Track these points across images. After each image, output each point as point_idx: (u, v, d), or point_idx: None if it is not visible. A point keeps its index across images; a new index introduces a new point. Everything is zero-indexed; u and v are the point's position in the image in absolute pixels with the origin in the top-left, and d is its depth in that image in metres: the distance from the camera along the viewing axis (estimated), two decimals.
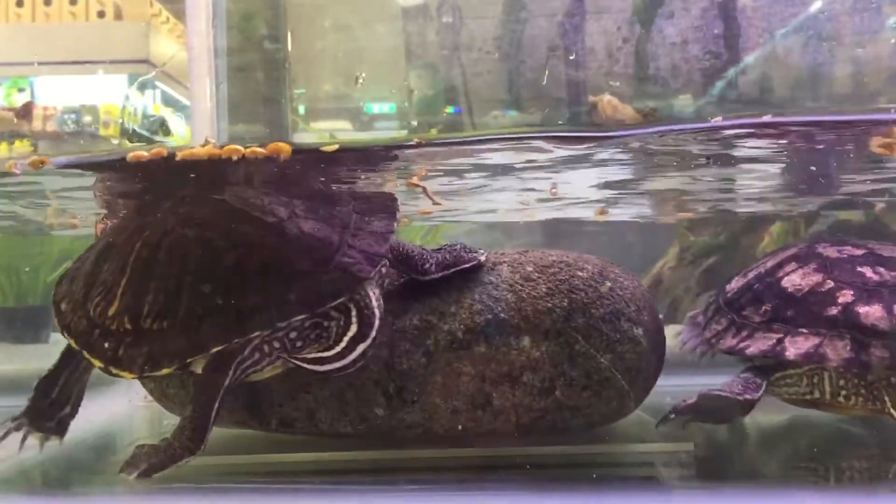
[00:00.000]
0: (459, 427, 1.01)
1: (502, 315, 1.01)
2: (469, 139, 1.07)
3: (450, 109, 2.29)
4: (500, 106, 2.27)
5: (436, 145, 1.05)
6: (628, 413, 1.08)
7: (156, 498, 0.89)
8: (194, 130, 1.92)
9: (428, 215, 1.81)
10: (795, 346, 1.05)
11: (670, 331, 1.78)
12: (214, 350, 0.88)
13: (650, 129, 1.24)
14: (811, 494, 0.91)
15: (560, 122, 2.14)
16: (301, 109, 2.20)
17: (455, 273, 1.03)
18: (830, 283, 1.09)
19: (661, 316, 1.14)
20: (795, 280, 1.13)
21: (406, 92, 2.25)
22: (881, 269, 1.10)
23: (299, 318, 0.90)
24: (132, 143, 2.49)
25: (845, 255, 1.14)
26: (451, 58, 2.22)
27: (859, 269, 1.10)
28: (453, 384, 1.00)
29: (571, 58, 2.11)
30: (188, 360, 0.89)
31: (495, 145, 1.06)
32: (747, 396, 1.05)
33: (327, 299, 0.89)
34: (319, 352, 0.90)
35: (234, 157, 0.87)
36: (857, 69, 1.98)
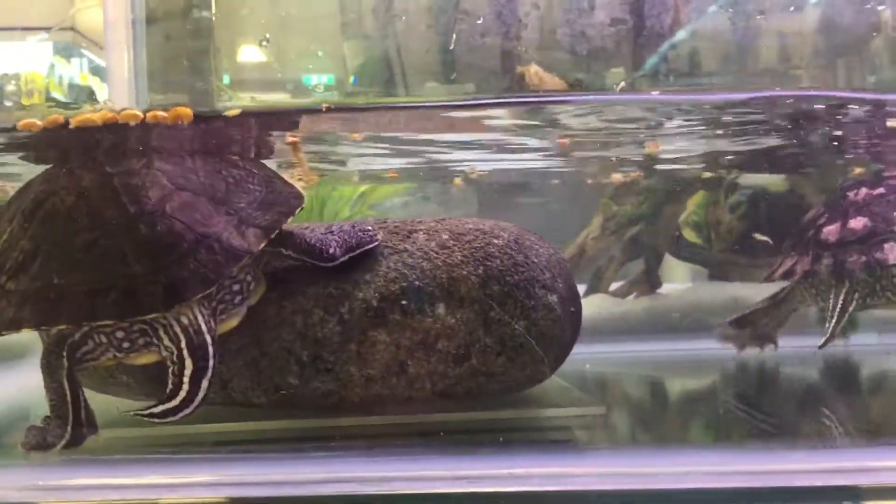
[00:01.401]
0: (374, 395, 1.01)
1: (417, 283, 1.01)
2: (373, 105, 1.07)
3: (351, 80, 2.26)
4: (434, 77, 2.26)
5: (343, 111, 1.04)
6: (544, 379, 1.09)
7: (61, 470, 0.88)
8: (112, 100, 1.86)
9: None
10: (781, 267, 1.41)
11: (596, 299, 1.82)
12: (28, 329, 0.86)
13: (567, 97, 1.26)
14: (711, 453, 0.94)
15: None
16: (226, 79, 2.15)
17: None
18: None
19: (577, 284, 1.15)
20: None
21: (342, 63, 2.22)
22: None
23: (108, 322, 0.86)
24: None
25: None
26: (385, 28, 2.20)
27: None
28: (368, 352, 1.00)
29: (504, 29, 2.10)
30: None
31: (401, 113, 1.06)
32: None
33: (139, 312, 0.85)
34: (165, 403, 0.86)
35: (132, 123, 0.84)
36: (783, 42, 2.02)
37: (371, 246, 1.02)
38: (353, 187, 2.05)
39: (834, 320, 1.35)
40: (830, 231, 1.38)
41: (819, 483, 0.79)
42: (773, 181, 1.84)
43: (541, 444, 0.96)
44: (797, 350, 1.52)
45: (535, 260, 1.07)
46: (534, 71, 1.86)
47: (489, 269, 1.03)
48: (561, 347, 1.09)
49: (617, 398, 1.32)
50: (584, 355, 1.60)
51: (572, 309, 1.11)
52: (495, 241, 1.06)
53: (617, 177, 1.76)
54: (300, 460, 0.87)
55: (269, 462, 0.87)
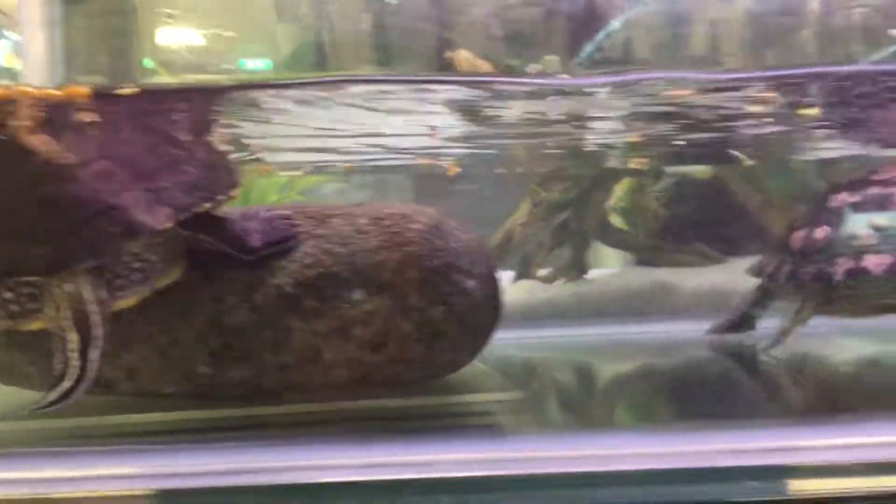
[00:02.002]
0: (290, 383, 0.99)
1: (334, 268, 1.00)
2: (284, 82, 1.05)
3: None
4: (369, 62, 2.24)
5: (256, 87, 1.01)
6: (463, 365, 1.09)
7: None
8: (28, 81, 1.79)
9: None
10: None
11: (525, 285, 1.83)
12: None
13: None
14: (627, 435, 0.95)
15: None
16: (147, 62, 2.09)
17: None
18: None
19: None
20: None
21: (277, 48, 2.18)
22: None
23: None
24: None
25: None
26: (318, 12, 2.17)
27: None
28: (282, 339, 0.98)
29: (440, 14, 2.09)
30: None
31: (315, 89, 1.04)
32: None
33: (22, 271, 0.83)
34: (58, 385, 0.83)
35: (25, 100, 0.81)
36: (714, 32, 2.05)
37: (292, 238, 1.00)
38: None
39: (784, 330, 1.36)
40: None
41: (744, 462, 0.79)
42: (697, 169, 1.87)
43: (454, 430, 0.96)
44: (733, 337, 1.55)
45: (454, 245, 1.06)
46: (463, 56, 1.86)
47: (407, 254, 1.02)
48: (481, 333, 1.09)
49: (541, 383, 1.33)
50: (512, 341, 1.63)
51: (492, 294, 1.11)
52: (413, 225, 1.05)
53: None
54: (208, 451, 0.84)
55: (175, 453, 0.84)
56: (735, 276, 1.77)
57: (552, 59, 2.11)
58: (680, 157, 1.84)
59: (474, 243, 1.10)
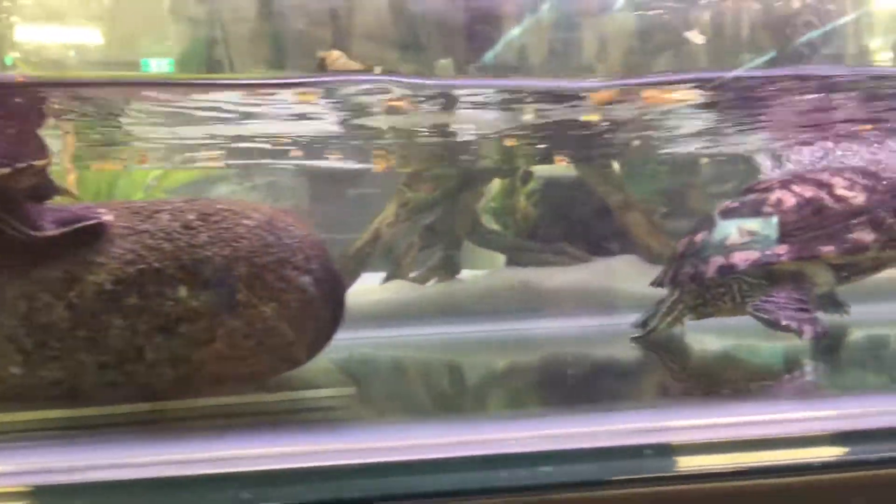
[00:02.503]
0: (109, 382, 0.96)
1: (157, 265, 0.97)
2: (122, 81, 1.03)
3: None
4: (262, 64, 2.20)
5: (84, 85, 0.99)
6: (300, 362, 1.08)
7: None
8: None
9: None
10: None
11: (394, 285, 1.83)
12: None
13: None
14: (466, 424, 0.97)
15: None
16: (8, 59, 2.00)
17: (77, 232, 0.96)
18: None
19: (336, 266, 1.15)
20: None
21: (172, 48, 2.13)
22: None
23: None
24: None
25: None
26: (211, 12, 2.12)
27: None
28: (100, 338, 0.95)
29: (334, 17, 2.07)
30: None
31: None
32: None
33: None
34: None
35: None
36: (605, 39, 2.10)
37: (90, 223, 0.96)
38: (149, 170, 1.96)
39: (656, 321, 1.42)
40: (683, 242, 1.43)
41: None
42: (564, 170, 1.92)
43: (279, 425, 0.95)
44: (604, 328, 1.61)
45: (288, 241, 1.05)
46: (335, 56, 1.85)
47: (237, 249, 1.01)
48: (318, 330, 1.08)
49: (382, 378, 1.33)
50: (377, 339, 1.63)
51: (331, 291, 1.10)
52: (245, 221, 1.03)
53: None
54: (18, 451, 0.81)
55: None
56: (597, 275, 1.83)
57: (446, 64, 2.13)
58: (547, 157, 1.89)
59: (310, 239, 1.09)
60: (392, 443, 0.84)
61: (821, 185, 1.39)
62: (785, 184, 1.42)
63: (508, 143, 1.79)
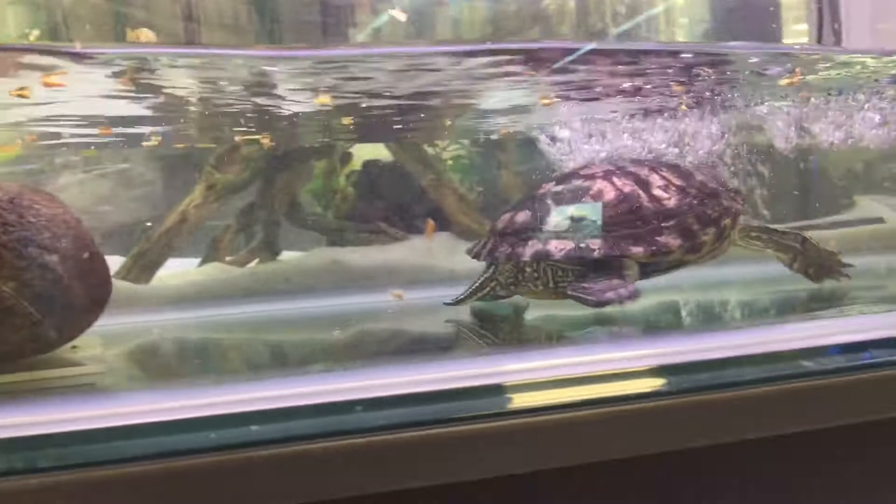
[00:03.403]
0: None
1: None
2: None
3: None
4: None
5: None
6: (54, 344, 1.07)
7: None
8: None
9: None
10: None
11: (214, 267, 1.82)
12: None
13: None
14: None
15: None
16: None
17: None
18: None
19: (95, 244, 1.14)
20: None
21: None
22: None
23: None
24: None
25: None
26: None
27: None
28: None
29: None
30: None
31: None
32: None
33: None
34: None
35: None
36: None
37: None
38: None
39: (467, 293, 1.45)
40: (504, 219, 1.43)
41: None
42: (382, 151, 1.95)
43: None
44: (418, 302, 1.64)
45: (32, 220, 1.04)
46: (144, 37, 1.82)
47: None
48: (70, 310, 1.07)
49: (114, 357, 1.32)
50: (190, 320, 1.62)
51: (87, 271, 1.09)
52: None
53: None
54: None
55: None
56: (413, 252, 1.87)
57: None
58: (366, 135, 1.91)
59: (61, 218, 1.08)
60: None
61: (639, 180, 1.42)
62: (608, 174, 1.44)
63: (324, 121, 1.81)
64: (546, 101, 1.68)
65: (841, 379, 0.99)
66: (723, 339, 1.18)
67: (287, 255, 1.89)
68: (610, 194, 1.39)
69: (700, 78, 1.65)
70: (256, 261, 1.87)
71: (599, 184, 1.41)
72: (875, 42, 1.81)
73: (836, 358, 1.04)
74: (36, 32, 1.61)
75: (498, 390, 0.92)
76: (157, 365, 1.28)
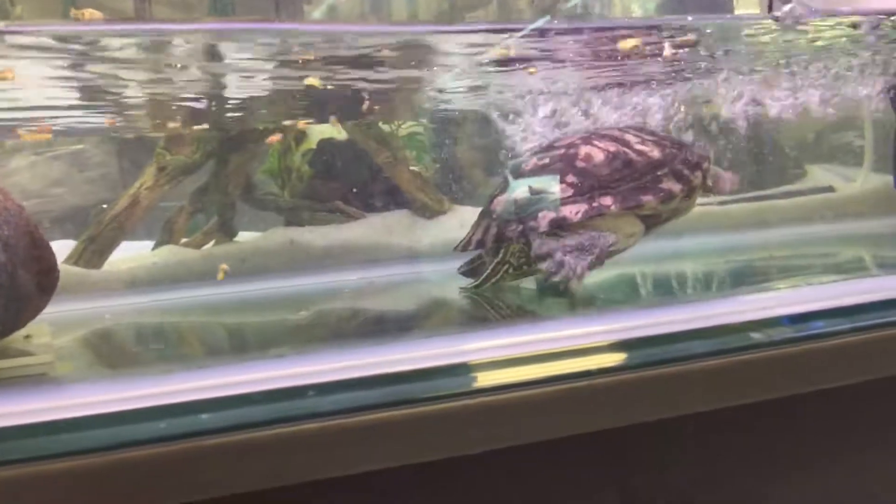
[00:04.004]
0: None
1: None
2: None
3: None
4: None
5: None
6: (0, 334, 1.05)
7: None
8: None
9: None
10: None
11: (169, 250, 1.79)
12: None
13: None
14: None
15: None
16: None
17: None
18: None
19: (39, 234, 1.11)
20: None
21: None
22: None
23: None
24: None
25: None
26: None
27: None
28: None
29: None
30: None
31: None
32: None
33: None
34: None
35: None
36: None
37: None
38: None
39: (482, 280, 1.41)
40: (499, 201, 1.40)
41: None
42: (336, 130, 1.93)
43: None
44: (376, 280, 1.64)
45: None
46: (88, 15, 1.77)
47: None
48: (14, 299, 1.05)
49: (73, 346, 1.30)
50: (144, 304, 1.60)
51: (31, 259, 1.07)
52: None
53: None
54: None
55: None
56: (371, 230, 1.86)
57: None
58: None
59: (2, 206, 1.05)
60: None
61: (618, 140, 1.42)
62: (586, 140, 1.43)
63: (276, 102, 1.78)
64: (532, 70, 1.66)
65: (788, 349, 1.01)
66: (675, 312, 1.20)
67: (243, 236, 1.88)
68: (599, 155, 1.38)
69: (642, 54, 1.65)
70: (212, 242, 1.85)
71: (585, 148, 1.40)
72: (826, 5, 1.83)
73: (785, 328, 1.06)
74: None
75: (457, 370, 0.92)
76: (109, 352, 1.26)
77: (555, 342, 0.99)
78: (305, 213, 1.88)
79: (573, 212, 1.33)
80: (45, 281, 1.11)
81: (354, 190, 1.90)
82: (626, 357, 0.96)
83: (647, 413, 0.91)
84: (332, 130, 1.91)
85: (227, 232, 1.86)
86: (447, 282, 1.51)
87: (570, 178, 1.36)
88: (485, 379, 0.89)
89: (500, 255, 1.40)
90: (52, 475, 0.74)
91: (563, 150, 1.42)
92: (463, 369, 0.92)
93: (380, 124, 1.85)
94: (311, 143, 1.93)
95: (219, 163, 1.81)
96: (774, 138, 2.06)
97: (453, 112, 1.98)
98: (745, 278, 1.61)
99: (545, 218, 1.33)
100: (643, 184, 1.36)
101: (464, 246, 1.44)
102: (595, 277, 1.35)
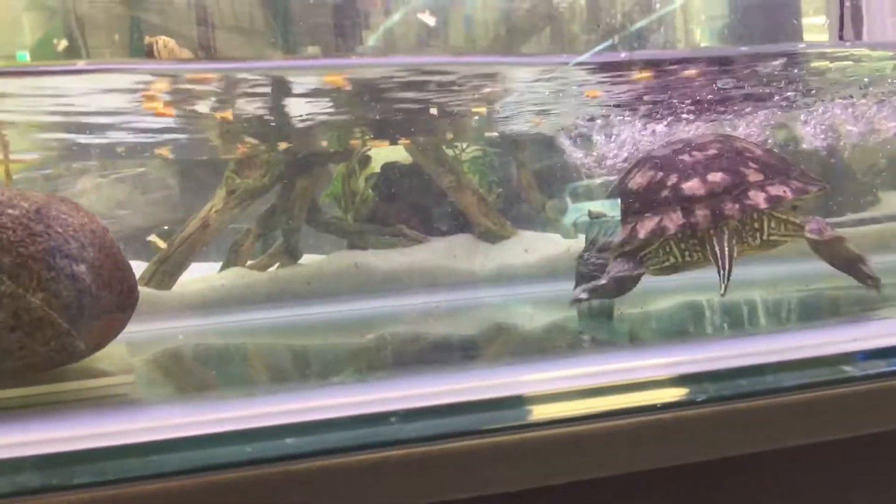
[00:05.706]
0: None
1: None
2: None
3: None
4: (122, 53, 2.14)
5: None
6: (83, 354, 1.06)
7: None
8: None
9: None
10: (644, 228, 1.36)
11: (235, 272, 1.82)
12: None
13: None
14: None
15: None
16: None
17: None
18: (661, 174, 1.41)
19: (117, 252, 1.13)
20: (637, 180, 1.44)
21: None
22: (695, 153, 1.43)
23: None
24: None
25: (669, 151, 1.47)
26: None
27: (679, 157, 1.43)
28: None
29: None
30: None
31: None
32: (638, 271, 1.40)
33: None
34: None
35: None
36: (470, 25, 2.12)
37: None
38: None
39: (726, 265, 1.34)
40: (693, 186, 1.37)
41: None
42: (401, 154, 1.94)
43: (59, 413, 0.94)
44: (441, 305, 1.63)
45: (60, 230, 1.03)
46: (162, 43, 1.81)
47: (0, 241, 0.98)
48: (97, 319, 1.07)
49: (144, 364, 1.31)
50: (213, 325, 1.62)
51: (115, 280, 1.09)
52: (10, 211, 1.01)
53: None
54: None
55: None
56: (434, 254, 1.86)
57: (315, 51, 2.12)
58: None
59: (88, 227, 1.08)
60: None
61: (736, 144, 1.46)
62: (721, 139, 1.47)
63: (342, 127, 1.80)
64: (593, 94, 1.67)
65: (876, 385, 0.97)
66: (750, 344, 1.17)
67: (307, 259, 1.89)
68: (756, 150, 1.42)
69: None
70: (277, 265, 1.86)
71: (737, 143, 1.44)
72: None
73: (870, 363, 1.03)
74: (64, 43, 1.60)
75: (519, 401, 0.90)
76: (185, 373, 1.27)
77: (629, 373, 0.97)
78: (369, 236, 1.89)
79: (783, 191, 1.36)
80: (125, 301, 1.13)
81: (418, 214, 1.90)
82: (694, 391, 0.93)
83: (738, 446, 0.88)
84: (395, 154, 1.93)
85: (291, 255, 1.87)
86: (515, 306, 1.50)
87: (753, 165, 1.39)
88: (571, 408, 0.87)
89: (726, 237, 1.35)
90: (143, 496, 0.74)
91: (718, 145, 1.44)
92: (550, 398, 0.90)
93: (444, 148, 1.85)
94: (375, 167, 1.95)
95: (285, 186, 1.83)
96: (845, 165, 2.01)
97: (534, 135, 1.97)
98: (819, 310, 1.56)
99: (758, 196, 1.35)
100: (794, 177, 1.40)
101: (625, 241, 1.41)
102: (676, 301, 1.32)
